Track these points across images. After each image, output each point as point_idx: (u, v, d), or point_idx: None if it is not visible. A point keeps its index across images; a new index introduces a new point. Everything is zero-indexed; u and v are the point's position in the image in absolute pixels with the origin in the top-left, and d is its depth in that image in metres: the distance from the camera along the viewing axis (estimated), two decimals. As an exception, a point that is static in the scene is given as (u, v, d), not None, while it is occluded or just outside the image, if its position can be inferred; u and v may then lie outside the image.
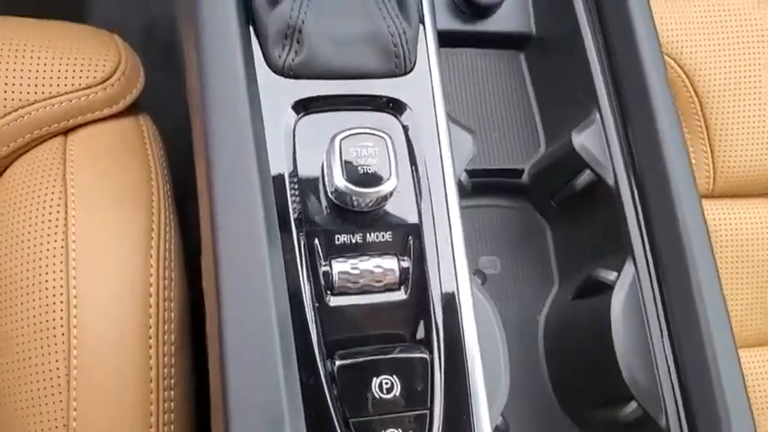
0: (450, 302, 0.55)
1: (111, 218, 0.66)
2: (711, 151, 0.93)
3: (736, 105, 0.92)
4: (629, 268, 0.62)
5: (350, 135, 0.54)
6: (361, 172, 0.53)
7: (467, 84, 0.76)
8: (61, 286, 0.62)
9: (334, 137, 0.54)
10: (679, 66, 0.91)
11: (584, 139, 0.66)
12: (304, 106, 0.57)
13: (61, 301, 0.61)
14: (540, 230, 0.74)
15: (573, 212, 0.70)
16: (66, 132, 0.70)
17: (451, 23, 0.74)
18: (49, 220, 0.64)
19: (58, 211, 0.64)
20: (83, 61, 0.70)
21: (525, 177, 0.73)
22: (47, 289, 0.62)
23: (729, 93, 0.91)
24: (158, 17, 0.95)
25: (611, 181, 0.64)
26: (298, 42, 0.56)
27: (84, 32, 0.74)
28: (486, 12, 0.74)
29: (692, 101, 0.92)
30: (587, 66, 0.68)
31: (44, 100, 0.68)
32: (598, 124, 0.66)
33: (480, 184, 0.71)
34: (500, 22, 0.75)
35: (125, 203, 0.67)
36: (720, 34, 0.91)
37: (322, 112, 0.58)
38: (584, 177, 0.66)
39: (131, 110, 0.73)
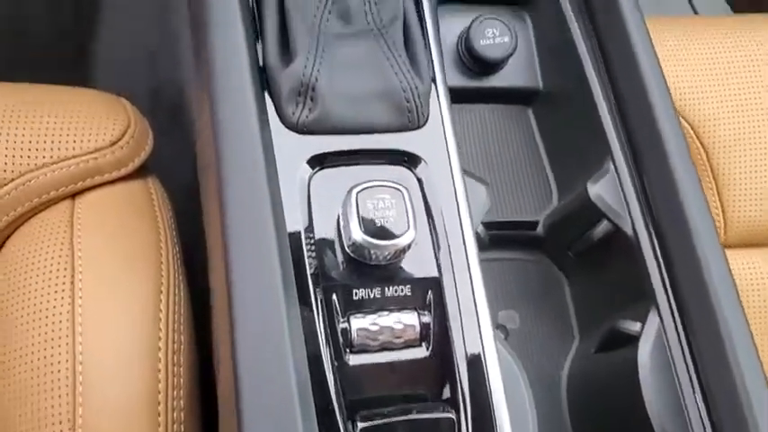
0: (474, 359, 0.53)
1: (120, 281, 0.65)
2: (721, 202, 0.93)
3: (743, 156, 0.92)
4: (653, 318, 0.60)
5: (366, 188, 0.53)
6: (379, 224, 0.52)
7: (476, 138, 0.76)
8: (67, 352, 0.60)
9: (351, 190, 0.53)
10: (684, 118, 0.91)
11: (599, 189, 0.65)
12: (319, 161, 0.57)
13: (67, 368, 0.59)
14: (557, 283, 0.72)
15: (591, 264, 0.69)
16: (74, 195, 0.69)
17: (459, 80, 0.74)
18: (56, 284, 0.62)
19: (65, 275, 0.63)
20: (92, 124, 0.70)
21: (540, 229, 0.72)
22: (53, 356, 0.60)
23: (736, 144, 0.91)
24: (164, 81, 0.96)
25: (629, 231, 0.63)
26: (311, 99, 0.56)
27: (93, 96, 0.75)
28: (493, 68, 0.75)
29: (699, 153, 0.92)
30: (598, 118, 0.68)
31: (53, 164, 0.67)
32: (612, 174, 0.65)
33: (494, 237, 0.70)
34: (507, 77, 0.76)
35: (134, 266, 0.66)
36: (725, 86, 0.92)
37: (337, 166, 0.57)
38: (602, 228, 0.66)
39: (140, 172, 0.73)
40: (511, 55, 0.73)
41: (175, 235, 0.72)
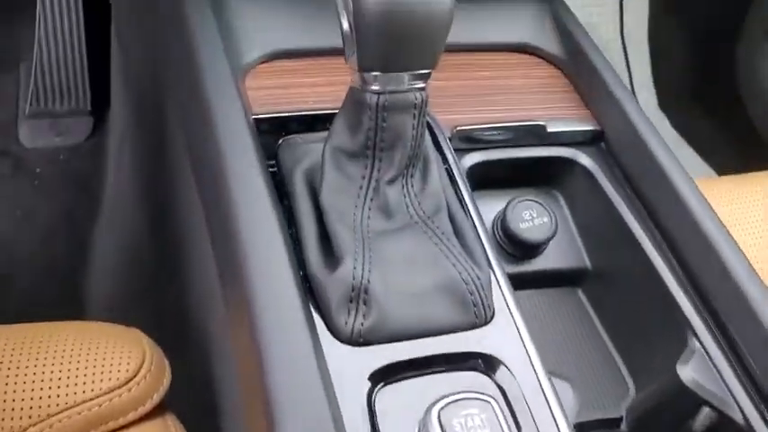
0: None
1: None
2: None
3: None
4: None
5: (449, 403, 0.44)
6: None
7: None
8: None
9: (430, 408, 0.44)
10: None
11: (692, 372, 0.57)
12: (382, 376, 0.48)
13: None
14: None
15: (694, 462, 0.59)
16: (85, 449, 0.59)
17: None
18: None
19: None
20: (102, 361, 0.61)
21: (624, 427, 0.62)
22: None
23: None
24: (168, 309, 0.88)
25: (738, 418, 0.55)
26: (365, 304, 0.49)
27: (100, 329, 0.67)
28: (534, 251, 0.70)
29: None
30: (666, 291, 0.62)
31: (58, 413, 0.58)
32: (701, 352, 0.58)
33: None
34: (549, 260, 0.71)
35: None
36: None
37: (403, 379, 0.49)
38: (704, 417, 0.57)
39: (158, 411, 0.63)
40: (553, 236, 0.69)
41: None
